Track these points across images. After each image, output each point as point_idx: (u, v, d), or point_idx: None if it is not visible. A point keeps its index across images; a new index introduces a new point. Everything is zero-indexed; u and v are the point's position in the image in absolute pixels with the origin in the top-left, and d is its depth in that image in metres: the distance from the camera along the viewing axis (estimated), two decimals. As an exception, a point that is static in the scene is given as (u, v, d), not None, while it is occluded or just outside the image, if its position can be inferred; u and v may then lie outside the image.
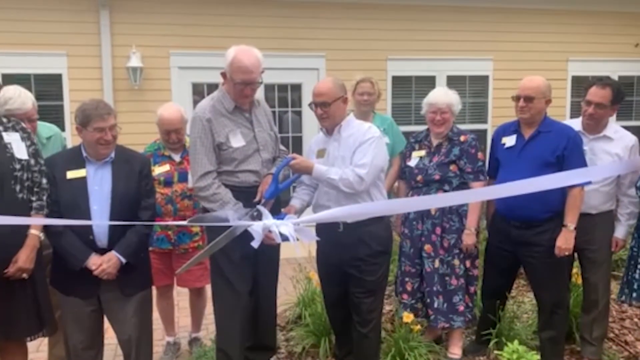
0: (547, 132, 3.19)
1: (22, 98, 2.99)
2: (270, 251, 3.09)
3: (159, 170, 3.41)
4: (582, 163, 3.13)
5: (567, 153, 3.10)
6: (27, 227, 2.64)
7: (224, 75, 2.95)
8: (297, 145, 6.99)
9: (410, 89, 7.42)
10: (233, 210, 2.76)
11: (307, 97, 7.12)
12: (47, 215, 2.66)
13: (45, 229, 2.72)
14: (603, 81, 3.30)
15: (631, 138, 3.35)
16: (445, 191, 3.35)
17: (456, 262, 3.38)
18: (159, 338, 3.69)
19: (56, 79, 6.43)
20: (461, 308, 3.39)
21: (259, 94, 3.13)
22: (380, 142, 2.98)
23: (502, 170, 3.32)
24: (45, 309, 2.76)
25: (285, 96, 7.17)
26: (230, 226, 2.36)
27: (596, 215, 3.33)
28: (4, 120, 2.67)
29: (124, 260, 2.72)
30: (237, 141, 2.91)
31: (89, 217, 2.65)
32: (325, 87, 2.95)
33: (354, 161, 2.89)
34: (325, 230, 3.09)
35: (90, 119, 2.66)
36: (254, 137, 2.99)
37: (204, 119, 2.88)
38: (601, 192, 3.31)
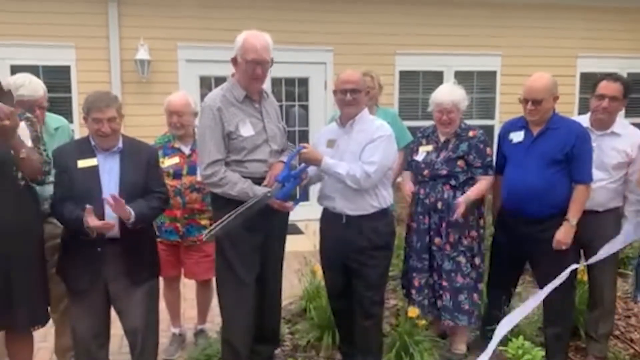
0: (556, 128, 3.17)
1: (33, 85, 3.01)
2: (277, 243, 3.12)
3: (168, 162, 3.44)
4: (589, 161, 3.12)
5: (575, 151, 3.09)
6: (29, 218, 2.66)
7: (234, 60, 2.96)
8: (303, 139, 6.99)
9: (417, 83, 7.41)
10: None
11: (314, 91, 7.14)
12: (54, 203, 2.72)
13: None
14: (612, 76, 3.30)
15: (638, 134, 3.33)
16: (452, 186, 3.34)
17: (462, 259, 3.37)
18: (164, 329, 3.70)
19: (64, 71, 6.47)
20: (466, 307, 3.39)
21: (266, 86, 3.13)
22: (390, 141, 3.02)
23: (509, 166, 3.30)
24: (42, 299, 2.76)
25: (293, 90, 7.17)
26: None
27: (603, 213, 3.31)
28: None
29: (132, 212, 2.65)
30: (246, 130, 2.92)
31: (101, 206, 2.64)
32: (356, 76, 3.09)
33: (363, 158, 2.94)
34: (328, 222, 3.14)
35: (90, 110, 2.71)
36: (263, 128, 3.00)
37: (214, 108, 2.89)
38: (608, 189, 3.29)
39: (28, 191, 2.63)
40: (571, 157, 3.09)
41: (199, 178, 3.38)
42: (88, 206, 2.58)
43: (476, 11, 7.32)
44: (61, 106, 6.33)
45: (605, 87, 3.26)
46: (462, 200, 3.23)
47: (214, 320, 3.96)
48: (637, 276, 3.20)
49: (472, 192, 3.29)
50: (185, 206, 3.44)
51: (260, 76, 2.94)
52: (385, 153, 2.97)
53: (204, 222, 3.50)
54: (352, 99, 3.02)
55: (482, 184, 3.33)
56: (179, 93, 3.67)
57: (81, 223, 2.60)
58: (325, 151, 3.06)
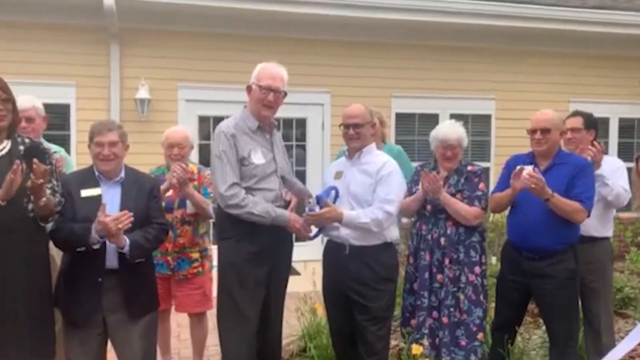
0: (563, 163, 3.22)
1: (21, 99, 3.04)
2: (281, 277, 3.08)
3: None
4: (589, 190, 3.13)
5: (576, 180, 3.12)
6: (38, 249, 2.64)
7: (249, 88, 3.02)
8: (300, 180, 7.00)
9: (413, 126, 7.50)
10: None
11: (311, 132, 7.21)
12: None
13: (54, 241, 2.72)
14: (574, 112, 3.69)
15: (615, 163, 3.56)
16: (455, 222, 3.34)
17: (460, 295, 3.35)
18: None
19: (64, 109, 6.50)
20: (463, 342, 3.34)
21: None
22: (400, 174, 3.10)
23: (517, 199, 3.26)
24: (48, 333, 2.68)
25: (290, 131, 7.23)
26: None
27: (596, 242, 3.41)
28: (26, 141, 2.69)
29: (127, 240, 2.63)
30: (258, 158, 2.96)
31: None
32: (359, 110, 3.12)
33: (379, 195, 2.97)
34: (331, 253, 3.11)
35: (93, 134, 2.77)
36: (273, 158, 3.05)
37: (228, 134, 2.94)
38: (596, 217, 3.36)
39: (37, 222, 2.60)
40: (572, 186, 3.12)
41: (189, 211, 3.43)
42: (104, 202, 2.60)
43: (470, 56, 7.50)
44: (59, 143, 6.32)
45: (568, 122, 3.55)
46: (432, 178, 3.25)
47: (210, 359, 3.87)
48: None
49: (453, 201, 3.29)
50: (177, 239, 3.45)
51: (272, 104, 3.00)
52: (399, 189, 3.07)
53: (194, 255, 3.51)
54: (354, 133, 3.08)
55: (464, 207, 3.31)
56: (178, 127, 3.79)
57: (86, 234, 2.58)
58: (333, 182, 3.11)
